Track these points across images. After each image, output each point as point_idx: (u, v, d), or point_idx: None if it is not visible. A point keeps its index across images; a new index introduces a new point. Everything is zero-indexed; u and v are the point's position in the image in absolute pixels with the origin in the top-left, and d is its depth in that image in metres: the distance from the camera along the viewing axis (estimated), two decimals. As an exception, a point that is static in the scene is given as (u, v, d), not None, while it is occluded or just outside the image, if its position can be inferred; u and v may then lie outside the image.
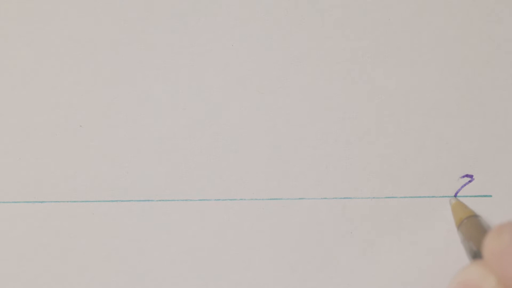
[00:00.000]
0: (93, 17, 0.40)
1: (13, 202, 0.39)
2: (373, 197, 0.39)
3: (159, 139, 0.39)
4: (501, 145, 0.39)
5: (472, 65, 0.39)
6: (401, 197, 0.38)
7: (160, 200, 0.39)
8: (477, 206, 0.38)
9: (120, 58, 0.40)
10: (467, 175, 0.39)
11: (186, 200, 0.39)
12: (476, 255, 0.32)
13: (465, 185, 0.38)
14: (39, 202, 0.39)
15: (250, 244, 0.39)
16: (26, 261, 0.39)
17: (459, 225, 0.35)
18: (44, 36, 0.40)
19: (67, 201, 0.39)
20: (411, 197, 0.38)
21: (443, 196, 0.38)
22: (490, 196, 0.38)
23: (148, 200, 0.39)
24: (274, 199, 0.39)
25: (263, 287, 0.38)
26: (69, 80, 0.40)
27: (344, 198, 0.39)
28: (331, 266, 0.38)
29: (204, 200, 0.39)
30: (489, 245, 0.27)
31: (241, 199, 0.39)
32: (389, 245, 0.38)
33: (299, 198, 0.39)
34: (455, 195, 0.38)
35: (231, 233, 0.39)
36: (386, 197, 0.39)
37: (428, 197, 0.38)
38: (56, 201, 0.39)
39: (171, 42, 0.40)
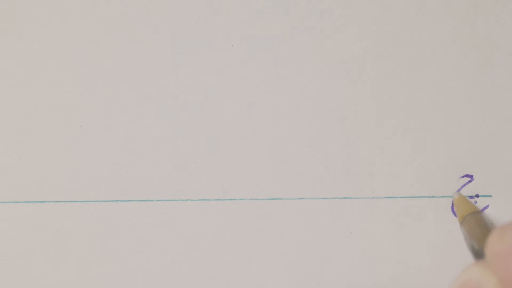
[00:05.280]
0: (93, 17, 0.40)
1: (13, 202, 0.39)
2: (373, 197, 0.39)
3: (159, 139, 0.39)
4: (501, 145, 0.39)
5: (472, 65, 0.39)
6: (401, 197, 0.38)
7: (160, 200, 0.39)
8: (477, 206, 0.38)
9: (120, 58, 0.40)
10: (467, 175, 0.39)
11: (186, 200, 0.39)
12: (478, 253, 0.32)
13: (465, 185, 0.38)
14: (39, 202, 0.39)
15: (250, 244, 0.39)
16: (26, 261, 0.39)
17: (462, 221, 0.35)
18: (44, 36, 0.40)
19: (67, 201, 0.39)
20: (411, 197, 0.38)
21: (443, 196, 0.38)
22: (490, 196, 0.38)
23: (148, 200, 0.39)
24: (274, 199, 0.39)
25: (263, 287, 0.38)
26: (69, 80, 0.40)
27: (344, 198, 0.39)
28: (331, 266, 0.38)
29: (204, 200, 0.39)
30: (492, 245, 0.27)
31: (241, 199, 0.39)
32: (389, 245, 0.38)
33: (299, 198, 0.39)
34: (455, 195, 0.38)
35: (231, 233, 0.39)
36: (386, 197, 0.39)
37: (428, 197, 0.38)
38: (56, 201, 0.39)
39: (171, 42, 0.40)
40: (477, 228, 0.33)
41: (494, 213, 0.38)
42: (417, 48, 0.40)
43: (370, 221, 0.38)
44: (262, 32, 0.40)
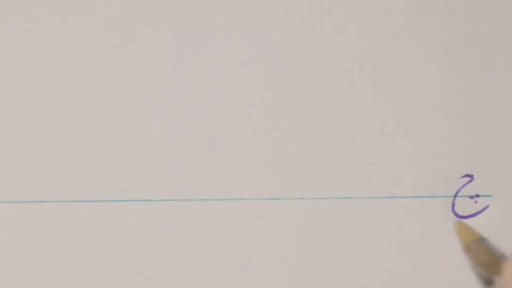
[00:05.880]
0: (93, 17, 0.40)
1: (13, 202, 0.39)
2: (373, 197, 0.39)
3: (159, 139, 0.39)
4: (501, 145, 0.39)
5: (472, 65, 0.39)
6: (401, 197, 0.38)
7: (160, 200, 0.39)
8: (477, 206, 0.38)
9: (120, 58, 0.40)
10: (467, 175, 0.39)
11: (186, 200, 0.39)
12: (488, 280, 0.32)
13: (465, 185, 0.38)
14: (39, 202, 0.39)
15: (250, 244, 0.39)
16: (26, 261, 0.39)
17: (467, 249, 0.35)
18: (44, 36, 0.40)
19: (67, 201, 0.39)
20: (411, 197, 0.38)
21: (443, 196, 0.38)
22: (490, 196, 0.38)
23: (148, 200, 0.39)
24: (274, 199, 0.39)
25: (263, 287, 0.38)
26: (69, 80, 0.40)
27: (344, 198, 0.39)
28: (331, 266, 0.38)
29: (204, 200, 0.39)
30: (510, 273, 0.27)
31: (241, 199, 0.39)
32: (389, 245, 0.38)
33: (299, 198, 0.39)
34: (455, 195, 0.38)
35: (231, 233, 0.39)
36: (386, 197, 0.39)
37: (428, 197, 0.38)
38: (56, 201, 0.39)
39: (171, 42, 0.40)
40: (484, 255, 0.33)
41: (494, 213, 0.38)
42: (417, 48, 0.40)
43: (370, 221, 0.38)
44: (262, 32, 0.40)
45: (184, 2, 0.40)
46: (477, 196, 0.38)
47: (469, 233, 0.36)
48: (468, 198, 0.38)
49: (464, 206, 0.38)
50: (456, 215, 0.38)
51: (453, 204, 0.38)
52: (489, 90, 0.39)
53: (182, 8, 0.40)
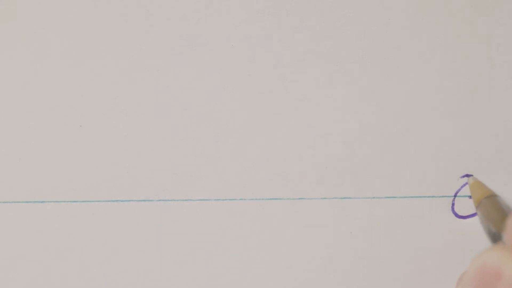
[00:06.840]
0: (93, 17, 0.40)
1: (13, 202, 0.39)
2: (373, 197, 0.39)
3: (159, 139, 0.39)
4: (501, 145, 0.39)
5: (472, 65, 0.39)
6: (401, 197, 0.38)
7: (160, 200, 0.39)
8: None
9: (120, 58, 0.40)
10: (467, 175, 0.39)
11: (186, 200, 0.39)
12: (495, 236, 0.32)
13: (465, 185, 0.38)
14: (39, 202, 0.39)
15: (250, 244, 0.39)
16: (26, 261, 0.39)
17: (478, 205, 0.34)
18: (44, 36, 0.40)
19: (67, 201, 0.39)
20: (411, 197, 0.38)
21: (443, 196, 0.38)
22: (490, 196, 0.38)
23: (148, 200, 0.39)
24: (274, 199, 0.39)
25: (263, 287, 0.38)
26: (69, 80, 0.40)
27: (344, 198, 0.39)
28: (331, 266, 0.38)
29: (204, 200, 0.39)
30: (511, 228, 0.26)
31: (241, 199, 0.39)
32: (389, 245, 0.38)
33: (299, 198, 0.39)
34: (455, 195, 0.38)
35: (231, 233, 0.39)
36: (386, 197, 0.39)
37: (428, 197, 0.38)
38: (56, 201, 0.39)
39: (171, 42, 0.40)
40: (494, 211, 0.33)
41: (494, 213, 0.38)
42: (417, 48, 0.40)
43: (370, 221, 0.38)
44: (262, 32, 0.40)
45: (184, 2, 0.40)
46: (477, 196, 0.38)
47: (482, 189, 0.35)
48: (468, 198, 0.38)
49: (464, 206, 0.38)
50: (456, 215, 0.38)
51: (453, 204, 0.38)
52: (489, 90, 0.39)
53: (182, 8, 0.40)
